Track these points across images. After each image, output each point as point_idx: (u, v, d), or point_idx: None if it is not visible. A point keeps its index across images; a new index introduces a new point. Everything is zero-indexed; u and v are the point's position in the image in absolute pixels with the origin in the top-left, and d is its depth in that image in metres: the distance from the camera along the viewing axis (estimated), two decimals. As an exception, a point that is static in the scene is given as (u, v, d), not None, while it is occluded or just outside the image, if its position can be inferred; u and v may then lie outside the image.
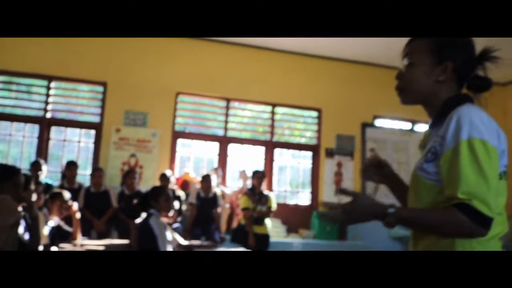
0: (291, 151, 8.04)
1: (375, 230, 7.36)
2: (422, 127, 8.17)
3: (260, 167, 7.50)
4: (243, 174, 7.09)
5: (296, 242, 6.74)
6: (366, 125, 8.00)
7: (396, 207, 1.46)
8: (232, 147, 7.70)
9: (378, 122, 8.16)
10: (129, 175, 6.43)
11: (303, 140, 8.07)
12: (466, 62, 1.53)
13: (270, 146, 7.79)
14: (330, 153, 7.80)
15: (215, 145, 7.66)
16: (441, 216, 1.38)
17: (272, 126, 7.85)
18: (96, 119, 7.25)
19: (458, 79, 1.55)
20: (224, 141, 7.64)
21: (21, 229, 3.01)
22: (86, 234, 5.58)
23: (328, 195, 7.68)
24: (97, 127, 7.20)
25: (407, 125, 8.31)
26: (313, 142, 7.96)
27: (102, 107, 7.20)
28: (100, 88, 7.26)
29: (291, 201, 7.93)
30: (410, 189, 1.57)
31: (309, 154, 8.00)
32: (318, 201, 7.70)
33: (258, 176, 6.26)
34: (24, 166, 6.63)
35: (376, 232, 7.38)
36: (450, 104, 1.50)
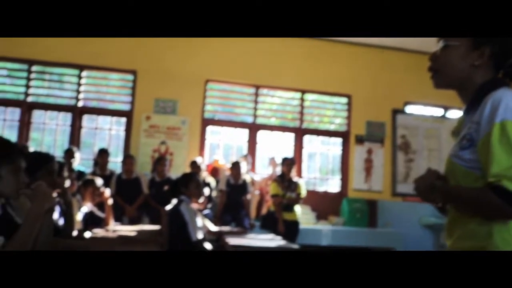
0: (321, 138, 8.00)
1: (405, 217, 7.35)
2: (455, 114, 8.02)
3: (290, 153, 7.49)
4: (272, 161, 7.09)
5: (325, 229, 6.72)
6: (397, 112, 7.90)
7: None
8: (261, 134, 7.70)
9: (409, 109, 8.04)
10: (159, 162, 6.51)
11: (332, 127, 8.02)
12: (503, 49, 1.50)
13: (300, 132, 7.77)
14: (360, 140, 7.74)
15: (245, 132, 7.68)
16: (477, 194, 1.37)
17: (302, 113, 7.82)
18: (126, 107, 7.34)
19: (494, 65, 1.52)
20: (253, 128, 7.64)
21: (55, 215, 3.08)
22: (118, 220, 5.67)
23: (358, 182, 7.64)
24: (128, 115, 7.29)
25: (439, 112, 8.17)
26: (343, 128, 7.91)
27: (133, 95, 7.29)
28: (130, 77, 7.34)
29: (321, 188, 7.91)
30: (447, 176, 1.54)
31: (338, 140, 7.95)
32: (348, 188, 7.67)
33: (288, 163, 6.25)
34: (58, 154, 6.76)
35: (407, 220, 7.33)
36: (485, 89, 1.47)
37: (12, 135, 7.00)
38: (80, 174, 6.07)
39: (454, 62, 1.53)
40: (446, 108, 8.11)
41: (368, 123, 7.77)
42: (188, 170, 6.32)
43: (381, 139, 7.77)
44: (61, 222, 3.24)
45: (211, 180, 6.59)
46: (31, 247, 1.94)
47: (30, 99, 7.27)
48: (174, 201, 4.39)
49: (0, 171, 1.96)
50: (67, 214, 3.25)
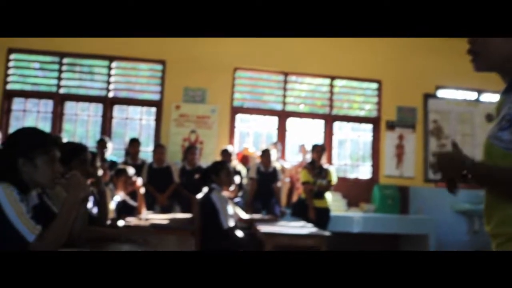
0: (351, 124, 7.93)
1: (438, 203, 7.25)
2: (489, 97, 7.83)
3: (320, 140, 7.45)
4: (302, 148, 7.07)
5: (356, 216, 6.68)
6: (429, 96, 7.76)
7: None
8: (291, 121, 7.68)
9: (441, 93, 7.89)
10: (190, 150, 6.55)
11: (362, 113, 7.94)
12: None
13: (329, 119, 7.72)
14: (391, 126, 7.64)
15: (274, 120, 7.67)
16: None
17: (331, 99, 7.76)
18: (156, 96, 7.40)
19: None
20: (282, 115, 7.62)
21: (89, 204, 3.14)
22: (150, 208, 5.74)
23: (389, 168, 7.55)
24: (158, 104, 7.35)
25: (472, 95, 7.98)
26: (373, 114, 7.82)
27: (162, 84, 7.34)
28: (159, 66, 7.39)
29: (352, 175, 7.85)
30: (484, 159, 1.48)
31: (369, 127, 7.87)
32: (379, 174, 7.60)
33: (318, 150, 6.22)
34: (90, 144, 6.87)
35: (439, 206, 7.24)
36: None
37: (46, 127, 7.14)
38: (112, 163, 6.16)
39: (497, 43, 1.46)
40: (479, 92, 7.91)
41: (399, 108, 7.66)
42: (218, 158, 6.35)
43: (412, 124, 7.66)
44: (94, 211, 3.29)
45: (241, 168, 6.61)
46: (67, 235, 1.98)
47: (62, 91, 7.40)
48: (205, 189, 4.42)
49: (36, 162, 2.00)
50: (101, 203, 3.31)
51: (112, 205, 4.32)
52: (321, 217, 6.04)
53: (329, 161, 7.37)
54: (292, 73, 7.66)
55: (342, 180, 7.31)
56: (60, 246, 1.95)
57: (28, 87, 7.43)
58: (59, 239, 1.93)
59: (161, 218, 4.74)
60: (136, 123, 7.64)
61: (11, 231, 1.85)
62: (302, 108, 7.85)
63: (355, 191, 7.44)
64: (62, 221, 1.95)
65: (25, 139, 2.03)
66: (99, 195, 3.34)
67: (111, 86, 7.42)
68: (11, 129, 7.11)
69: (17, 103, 7.44)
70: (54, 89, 7.40)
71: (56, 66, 7.40)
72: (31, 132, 2.10)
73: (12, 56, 7.31)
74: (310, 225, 5.07)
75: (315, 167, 6.18)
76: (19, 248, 1.89)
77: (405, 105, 7.66)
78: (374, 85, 7.82)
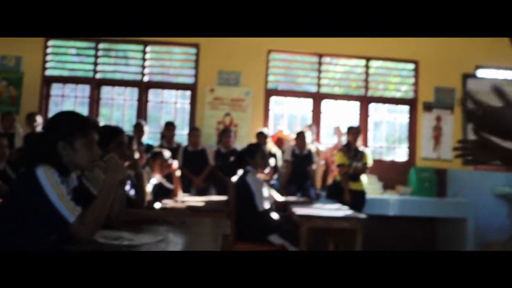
0: (387, 106, 7.82)
1: (477, 186, 7.11)
2: (531, 76, 7.58)
3: (355, 122, 7.38)
4: (337, 130, 7.01)
5: (392, 199, 6.62)
6: (468, 76, 7.56)
7: None
8: (325, 103, 7.62)
9: (481, 73, 7.68)
10: (224, 133, 6.58)
11: (398, 94, 7.81)
12: None
13: (365, 101, 7.62)
14: (428, 107, 7.49)
15: (308, 102, 7.62)
16: None
17: (366, 81, 7.65)
18: (190, 80, 7.44)
19: None
20: (317, 97, 7.57)
21: (127, 187, 3.19)
22: (186, 191, 5.81)
23: (426, 150, 7.43)
24: (192, 88, 7.39)
25: (513, 74, 7.75)
26: (410, 95, 7.68)
27: (196, 68, 7.37)
28: (193, 50, 7.42)
29: (387, 157, 7.76)
30: None
31: (405, 108, 7.74)
32: (415, 157, 7.48)
33: (353, 132, 6.16)
34: (127, 128, 6.97)
35: (479, 189, 7.10)
36: None
37: (83, 111, 7.26)
38: (149, 147, 6.25)
39: None
40: (521, 71, 7.68)
41: (436, 89, 7.50)
42: (252, 141, 6.36)
43: (450, 105, 7.49)
44: (131, 193, 3.34)
45: (276, 150, 6.61)
46: (105, 216, 2.03)
47: (98, 76, 7.52)
48: (240, 172, 4.44)
49: (75, 145, 2.04)
50: (138, 185, 3.36)
51: (148, 188, 4.38)
52: (357, 199, 6.01)
53: (365, 143, 7.29)
54: (326, 55, 7.58)
55: (378, 163, 7.24)
56: (99, 227, 2.00)
57: (65, 73, 7.58)
58: (98, 221, 1.97)
59: (196, 201, 4.79)
60: (171, 106, 7.71)
61: (53, 213, 1.90)
62: (337, 90, 7.77)
63: (391, 174, 7.36)
64: (101, 202, 1.99)
65: (64, 123, 2.08)
66: (136, 178, 3.39)
67: (146, 70, 7.50)
68: (50, 114, 7.28)
69: (56, 89, 7.60)
70: (90, 74, 7.52)
71: (92, 52, 7.51)
72: (70, 116, 2.14)
73: (50, 43, 7.45)
74: (345, 207, 5.04)
75: (350, 150, 6.13)
76: (60, 229, 1.95)
77: (443, 86, 7.49)
78: (411, 66, 7.67)
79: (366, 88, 7.63)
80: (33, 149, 2.07)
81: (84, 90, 7.58)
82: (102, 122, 6.40)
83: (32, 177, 1.93)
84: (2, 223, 2.00)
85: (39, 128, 6.47)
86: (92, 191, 2.30)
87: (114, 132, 2.84)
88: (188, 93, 7.52)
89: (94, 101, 7.48)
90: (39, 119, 6.61)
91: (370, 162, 6.21)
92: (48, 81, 7.47)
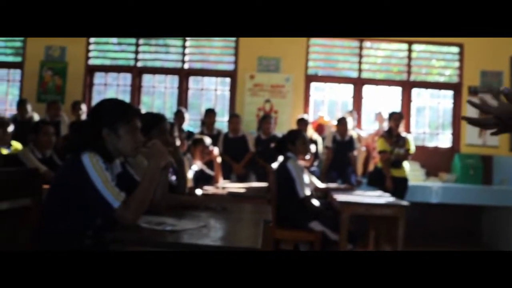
0: (430, 91, 7.65)
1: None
2: None
3: (397, 108, 7.25)
4: (379, 116, 6.92)
5: (435, 186, 6.49)
6: (516, 59, 7.32)
7: None
8: (366, 89, 7.52)
9: (530, 55, 7.40)
10: (264, 120, 6.58)
11: (442, 79, 7.62)
12: None
13: (407, 86, 7.48)
14: (473, 92, 7.28)
15: (349, 88, 7.53)
16: None
17: (409, 65, 7.50)
18: (230, 67, 7.46)
19: None
20: (358, 83, 7.47)
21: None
22: (227, 177, 5.85)
23: (471, 136, 7.24)
24: (232, 74, 7.42)
25: None
26: (454, 80, 7.48)
27: (236, 55, 7.39)
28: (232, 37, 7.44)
29: (431, 143, 7.61)
30: None
31: (449, 93, 7.56)
32: (460, 143, 7.31)
33: (395, 118, 6.05)
34: (167, 116, 7.04)
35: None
36: None
37: (125, 99, 7.38)
38: (189, 134, 6.32)
39: None
40: None
41: (482, 73, 7.28)
42: (292, 127, 6.34)
43: (498, 90, 7.26)
44: (172, 179, 3.38)
45: (316, 137, 6.58)
46: (149, 202, 2.06)
47: (139, 64, 7.63)
48: (281, 158, 4.44)
49: (119, 131, 2.08)
50: (179, 172, 3.40)
51: (190, 174, 4.43)
52: (399, 186, 5.92)
53: (407, 129, 7.17)
54: (367, 39, 7.46)
55: (421, 149, 7.10)
56: (142, 212, 2.04)
57: (107, 62, 7.73)
58: (142, 206, 2.01)
59: (237, 187, 4.82)
60: (211, 93, 7.76)
61: (98, 198, 1.94)
62: (378, 75, 7.65)
63: (434, 160, 7.21)
64: (144, 188, 2.02)
65: (108, 110, 2.12)
66: (178, 164, 3.43)
67: (186, 58, 7.56)
68: (94, 102, 7.43)
69: (98, 77, 7.76)
70: (132, 62, 7.64)
71: (133, 41, 7.62)
72: (113, 103, 2.17)
73: (93, 32, 7.59)
74: (387, 194, 4.98)
75: (392, 136, 6.04)
76: (105, 214, 2.00)
77: (489, 69, 7.27)
78: (455, 49, 7.47)
79: (409, 72, 7.48)
80: (78, 136, 2.12)
81: (126, 79, 7.70)
82: (143, 110, 6.50)
83: (78, 164, 1.98)
84: (49, 208, 2.07)
85: (83, 116, 6.63)
86: (135, 177, 2.35)
87: (156, 119, 2.87)
88: (228, 80, 7.55)
89: (136, 89, 7.60)
90: (83, 107, 6.77)
91: (412, 149, 6.10)
92: (91, 70, 7.63)
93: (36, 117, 6.60)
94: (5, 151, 4.67)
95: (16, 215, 2.34)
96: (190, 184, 4.40)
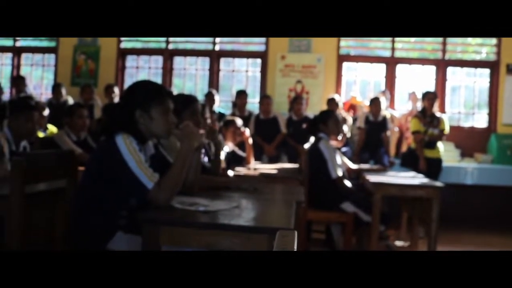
0: (465, 69, 7.48)
1: None
2: None
3: (431, 87, 7.12)
4: (412, 96, 6.81)
5: (470, 167, 6.37)
6: (556, 35, 7.07)
7: None
8: (400, 68, 7.39)
9: None
10: (296, 101, 6.55)
11: (478, 57, 7.44)
12: None
13: (442, 65, 7.32)
14: (512, 70, 7.09)
15: (382, 67, 7.42)
16: None
17: (444, 43, 7.33)
18: (261, 48, 7.43)
19: None
20: (391, 62, 7.35)
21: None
22: (258, 159, 5.86)
23: (509, 116, 7.06)
24: (263, 55, 7.39)
25: None
26: (491, 58, 7.29)
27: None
28: (263, 17, 7.38)
29: (466, 124, 7.46)
30: None
31: (486, 71, 7.37)
32: (497, 123, 7.14)
33: (429, 97, 5.93)
34: (198, 98, 7.08)
35: None
36: None
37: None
38: (221, 115, 6.33)
39: None
40: None
41: (521, 50, 7.07)
42: (324, 108, 6.29)
43: (537, 67, 7.06)
44: (205, 161, 3.40)
45: (348, 117, 6.52)
46: (182, 183, 2.08)
47: (170, 46, 7.67)
48: (313, 139, 4.42)
49: (152, 113, 2.10)
50: (216, 153, 3.42)
51: (222, 156, 4.45)
52: (432, 167, 5.83)
53: (442, 109, 7.04)
54: (401, 18, 7.30)
55: (456, 129, 6.97)
56: (176, 193, 2.06)
57: (139, 45, 7.78)
58: (175, 187, 2.03)
59: (269, 168, 4.83)
60: (242, 75, 7.75)
61: (132, 179, 1.97)
62: (411, 54, 7.51)
63: (469, 141, 7.07)
64: (177, 169, 2.04)
65: (141, 92, 2.13)
66: (216, 146, 3.45)
67: (217, 40, 7.56)
68: (126, 85, 7.52)
69: (130, 61, 7.84)
70: (163, 45, 7.68)
71: (164, 22, 7.64)
72: (146, 85, 2.19)
73: (124, 15, 7.64)
74: (420, 175, 4.92)
75: (426, 116, 5.93)
76: (139, 195, 2.02)
77: (529, 46, 7.05)
78: (493, 26, 7.25)
79: (443, 51, 7.31)
80: (112, 118, 2.15)
81: (157, 61, 7.76)
82: (175, 92, 6.54)
83: (111, 145, 2.01)
84: (84, 190, 2.11)
85: (116, 99, 6.72)
86: (168, 159, 2.37)
87: (188, 100, 2.87)
88: (259, 61, 7.52)
89: (167, 72, 7.66)
90: (116, 90, 6.86)
91: (447, 129, 5.98)
92: (123, 54, 7.70)
93: (71, 100, 6.72)
94: (41, 134, 4.79)
95: (53, 196, 2.40)
96: (222, 165, 4.43)
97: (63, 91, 6.78)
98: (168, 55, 7.64)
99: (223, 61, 7.68)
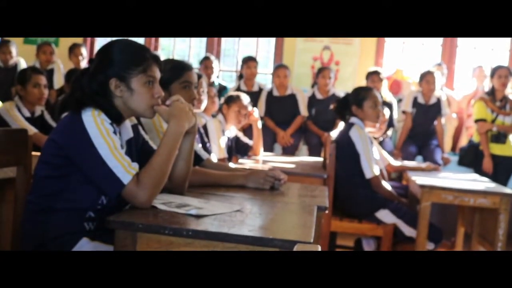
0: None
1: None
2: None
3: (504, 62, 7.09)
4: (478, 72, 6.80)
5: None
6: None
7: None
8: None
9: None
10: (322, 73, 6.53)
11: None
12: None
13: (519, 32, 7.28)
14: None
15: (438, 33, 7.39)
16: None
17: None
18: (278, 1, 7.41)
19: None
20: (450, 27, 7.32)
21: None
22: (269, 148, 5.87)
23: None
24: (280, 12, 7.37)
25: None
26: None
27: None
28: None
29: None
30: None
31: None
32: None
33: (501, 75, 5.91)
34: (194, 65, 7.09)
35: None
36: None
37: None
38: (221, 89, 6.34)
39: None
40: None
41: None
42: (360, 84, 6.28)
43: None
44: (199, 148, 3.39)
45: (391, 98, 6.51)
46: (167, 177, 2.08)
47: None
48: (342, 125, 4.42)
49: (131, 83, 2.07)
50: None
51: (221, 142, 4.46)
52: (501, 168, 5.84)
53: (517, 90, 7.02)
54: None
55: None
56: (159, 190, 2.04)
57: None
58: (159, 182, 2.01)
59: (283, 161, 4.83)
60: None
61: (102, 170, 1.95)
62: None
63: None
64: (162, 158, 2.02)
65: (117, 55, 2.09)
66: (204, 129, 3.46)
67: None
68: (99, 45, 7.52)
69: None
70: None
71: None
72: (124, 46, 2.15)
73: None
74: (485, 178, 4.92)
75: (496, 99, 5.92)
76: (111, 191, 1.99)
77: None
78: None
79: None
80: (77, 88, 2.12)
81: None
82: (162, 56, 6.56)
83: (76, 124, 1.99)
84: (40, 182, 2.08)
85: (84, 63, 6.72)
86: (150, 144, 2.36)
87: (179, 68, 2.86)
88: (274, 18, 7.50)
89: (153, 29, 7.65)
90: (84, 51, 6.85)
91: (523, 117, 5.98)
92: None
93: (23, 63, 6.70)
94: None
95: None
96: (222, 154, 4.43)
97: (13, 50, 6.74)
98: (154, 7, 7.63)
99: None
